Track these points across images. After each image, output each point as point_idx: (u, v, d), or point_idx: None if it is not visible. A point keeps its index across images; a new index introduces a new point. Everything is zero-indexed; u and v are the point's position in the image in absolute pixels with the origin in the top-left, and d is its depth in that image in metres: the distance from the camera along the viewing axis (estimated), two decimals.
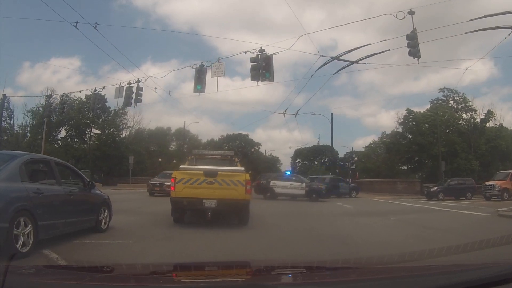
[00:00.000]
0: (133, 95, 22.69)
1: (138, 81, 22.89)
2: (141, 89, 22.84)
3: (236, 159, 13.14)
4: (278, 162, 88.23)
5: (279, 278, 2.65)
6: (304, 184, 24.84)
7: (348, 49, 15.26)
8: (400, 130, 42.48)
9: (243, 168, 11.19)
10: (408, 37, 14.96)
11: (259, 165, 71.87)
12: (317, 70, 18.54)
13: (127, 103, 22.85)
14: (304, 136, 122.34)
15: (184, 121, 50.22)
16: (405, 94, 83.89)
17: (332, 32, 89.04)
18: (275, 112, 25.26)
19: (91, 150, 47.01)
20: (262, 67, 18.00)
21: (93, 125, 48.35)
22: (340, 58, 14.27)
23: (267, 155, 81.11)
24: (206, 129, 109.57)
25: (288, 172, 31.37)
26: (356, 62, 14.16)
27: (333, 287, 2.27)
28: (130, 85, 23.20)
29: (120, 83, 23.84)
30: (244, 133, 79.40)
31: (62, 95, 29.28)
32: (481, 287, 2.04)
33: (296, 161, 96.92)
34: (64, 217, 6.94)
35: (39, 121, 46.11)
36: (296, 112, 25.45)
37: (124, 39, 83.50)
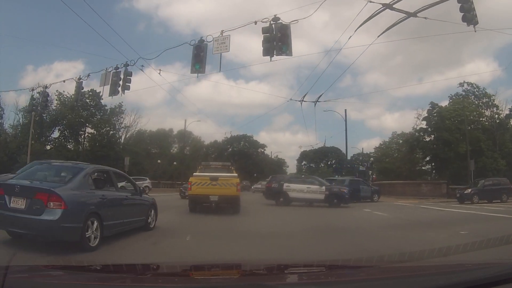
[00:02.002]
0: (121, 82, 18.68)
1: (126, 65, 18.95)
2: (130, 73, 18.97)
3: (232, 167, 17.65)
4: (284, 164, 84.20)
5: (279, 278, 2.59)
6: (323, 188, 20.69)
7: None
8: (423, 125, 38.10)
9: (236, 174, 15.99)
10: None
11: (264, 167, 68.18)
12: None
13: (113, 91, 18.95)
14: (309, 139, 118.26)
15: (185, 120, 46.34)
16: (409, 96, 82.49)
17: (335, 33, 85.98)
18: (290, 99, 21.31)
19: (84, 151, 42.94)
20: (278, 39, 13.94)
21: (88, 125, 44.23)
22: (394, 7, 10.19)
23: (273, 157, 76.97)
24: (210, 131, 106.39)
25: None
26: (414, 15, 10.08)
27: (333, 287, 2.24)
28: (118, 70, 19.18)
29: (106, 68, 19.85)
30: (248, 134, 75.33)
31: (45, 87, 25.12)
32: (481, 287, 1.98)
33: (302, 164, 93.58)
34: (122, 218, 7.98)
35: (30, 119, 42.48)
36: (316, 100, 21.14)
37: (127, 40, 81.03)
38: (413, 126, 40.43)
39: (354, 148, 75.81)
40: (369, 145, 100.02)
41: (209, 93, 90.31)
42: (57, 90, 44.49)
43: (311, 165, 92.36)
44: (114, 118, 46.54)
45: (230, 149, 74.43)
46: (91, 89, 44.14)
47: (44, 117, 44.65)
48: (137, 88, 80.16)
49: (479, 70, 67.85)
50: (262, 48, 14.13)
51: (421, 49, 67.49)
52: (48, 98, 26.48)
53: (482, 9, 64.81)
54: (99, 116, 44.68)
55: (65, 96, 43.62)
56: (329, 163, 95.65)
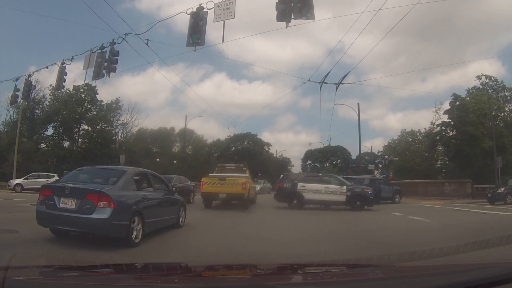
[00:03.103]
0: (106, 64, 15.61)
1: (112, 43, 15.83)
2: (117, 53, 15.88)
3: (245, 168, 19.08)
4: (289, 163, 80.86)
5: (279, 278, 2.57)
6: (344, 188, 17.50)
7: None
8: (443, 120, 34.80)
9: (244, 175, 17.74)
10: None
11: (269, 166, 64.83)
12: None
13: (98, 73, 15.91)
14: (312, 138, 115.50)
15: (186, 115, 43.04)
16: (413, 96, 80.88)
17: (339, 34, 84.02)
18: (309, 80, 17.87)
19: (77, 149, 39.90)
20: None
21: (83, 121, 41.08)
22: None
23: (277, 156, 73.51)
24: (213, 132, 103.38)
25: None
26: None
27: (333, 287, 2.23)
28: (103, 50, 16.10)
29: (91, 49, 16.75)
30: (252, 133, 71.99)
31: (29, 75, 22.06)
32: (481, 287, 1.96)
33: (307, 163, 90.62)
34: (159, 216, 8.47)
35: (23, 115, 39.47)
36: (339, 82, 17.91)
37: (128, 43, 77.91)
38: (431, 120, 37.42)
39: (362, 146, 72.29)
40: (373, 145, 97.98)
41: (212, 93, 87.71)
42: (50, 85, 41.63)
43: (316, 164, 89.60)
44: (111, 114, 43.31)
45: (233, 148, 71.10)
46: (85, 83, 41.32)
47: (38, 114, 41.74)
48: (139, 88, 79.08)
49: (482, 70, 65.43)
50: (275, 11, 11.05)
51: (425, 49, 65.02)
52: (33, 88, 23.04)
53: (486, 8, 63.30)
54: (95, 112, 41.39)
55: (60, 91, 40.70)
56: (334, 162, 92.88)
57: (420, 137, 67.84)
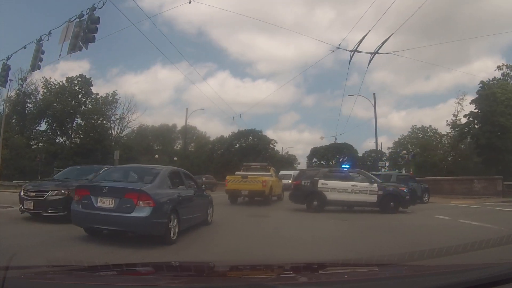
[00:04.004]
0: (82, 33, 12.60)
1: (92, 9, 12.77)
2: (96, 20, 12.76)
3: (269, 167, 20.31)
4: (295, 161, 77.63)
5: (279, 278, 2.51)
6: (375, 186, 14.37)
7: None
8: (466, 112, 31.57)
9: (268, 173, 19.01)
10: None
11: (275, 164, 60.86)
12: None
13: (74, 45, 12.86)
14: (315, 137, 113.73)
15: (186, 109, 40.04)
16: (417, 95, 79.65)
17: (342, 32, 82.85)
18: (338, 47, 14.65)
19: (70, 144, 36.84)
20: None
21: (77, 116, 37.97)
22: None
23: (283, 153, 70.15)
24: (217, 129, 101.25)
25: (346, 166, 20.68)
26: None
27: (333, 287, 2.19)
28: (82, 19, 13.05)
29: (69, 19, 13.72)
30: (257, 129, 68.62)
31: (7, 59, 18.92)
32: (481, 287, 1.94)
33: (313, 161, 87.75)
34: (192, 213, 8.46)
35: (13, 109, 36.58)
36: (376, 50, 14.59)
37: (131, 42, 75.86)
38: (453, 112, 34.25)
39: (367, 144, 69.66)
40: (374, 144, 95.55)
41: (216, 90, 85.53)
42: (43, 77, 38.71)
43: (322, 162, 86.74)
44: (108, 107, 40.19)
45: (237, 145, 67.85)
46: (79, 74, 38.40)
47: (31, 108, 38.75)
48: (141, 87, 76.78)
49: (486, 67, 64.68)
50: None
51: (428, 47, 63.37)
52: (25, 81, 19.99)
53: (488, 7, 61.12)
54: (90, 106, 38.24)
55: (52, 84, 37.80)
56: (340, 160, 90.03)
57: (431, 133, 65.24)
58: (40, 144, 37.97)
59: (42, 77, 38.39)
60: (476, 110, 29.53)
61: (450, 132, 35.72)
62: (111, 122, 40.84)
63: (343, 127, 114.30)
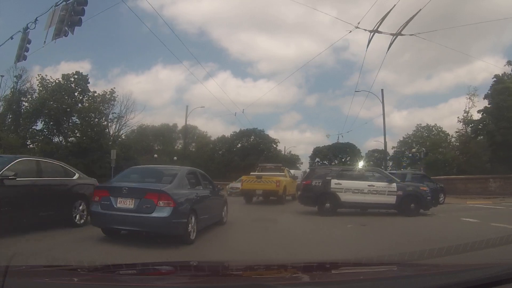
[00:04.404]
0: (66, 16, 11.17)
1: None
2: (84, 1, 11.20)
3: (283, 168, 21.24)
4: (298, 161, 76.01)
5: (279, 278, 2.47)
6: (394, 186, 12.93)
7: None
8: (478, 107, 30.06)
9: (282, 173, 19.69)
10: None
11: (278, 164, 59.51)
12: None
13: (59, 30, 11.54)
14: (317, 136, 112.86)
15: (187, 106, 38.36)
16: (418, 94, 79.16)
17: (343, 31, 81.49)
18: (357, 26, 12.56)
19: (66, 143, 35.31)
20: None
21: (74, 114, 36.42)
22: None
23: (286, 153, 68.46)
24: (218, 130, 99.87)
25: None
26: None
27: (333, 287, 2.15)
28: (69, 1, 11.60)
29: (56, 3, 12.27)
30: (259, 128, 66.97)
31: None
32: (481, 287, 1.92)
33: (315, 161, 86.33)
34: (208, 213, 8.43)
35: (8, 108, 35.11)
36: (400, 30, 12.75)
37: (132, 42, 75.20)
38: (465, 108, 32.70)
39: (370, 143, 68.63)
40: (378, 143, 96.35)
41: (217, 90, 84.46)
42: (38, 74, 37.21)
43: (324, 162, 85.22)
44: (105, 106, 38.61)
45: (239, 145, 66.24)
46: (76, 71, 36.91)
47: (27, 107, 37.23)
48: (142, 87, 76.00)
49: (488, 66, 64.13)
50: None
51: (429, 47, 62.45)
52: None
53: (489, 5, 60.01)
54: (87, 104, 36.68)
55: (48, 81, 36.34)
56: (343, 160, 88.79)
57: (436, 131, 63.80)
58: (35, 144, 36.40)
59: (38, 74, 37.04)
60: (490, 106, 27.99)
61: (461, 129, 34.28)
62: (109, 120, 39.39)
63: (349, 126, 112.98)
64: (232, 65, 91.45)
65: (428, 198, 13.23)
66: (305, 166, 78.21)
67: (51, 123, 36.86)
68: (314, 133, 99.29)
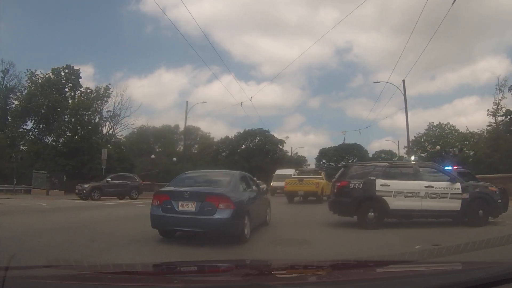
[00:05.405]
0: None
1: None
2: None
3: (320, 171, 24.44)
4: (305, 162, 72.37)
5: (279, 278, 2.47)
6: (458, 186, 9.52)
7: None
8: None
9: (319, 176, 21.80)
10: None
11: (284, 165, 55.68)
12: None
13: None
14: (321, 138, 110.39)
15: (187, 102, 34.91)
16: (421, 95, 77.49)
17: (346, 33, 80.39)
18: None
19: (53, 143, 31.92)
20: None
21: (65, 112, 32.97)
22: None
23: (292, 154, 64.68)
24: (222, 132, 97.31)
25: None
26: None
27: (333, 287, 2.13)
28: None
29: None
30: (264, 129, 63.52)
31: None
32: (481, 287, 1.89)
33: (321, 162, 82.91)
34: (258, 214, 8.79)
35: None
36: None
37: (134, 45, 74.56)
38: (494, 100, 29.38)
39: (373, 145, 65.04)
40: (381, 144, 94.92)
41: (220, 94, 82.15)
42: (27, 69, 34.00)
43: (331, 163, 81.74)
44: (98, 102, 35.18)
45: (243, 146, 62.67)
46: (66, 65, 33.60)
47: (17, 105, 33.97)
48: (145, 91, 73.90)
49: (491, 67, 64.16)
50: None
51: (433, 47, 60.25)
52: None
53: (493, 4, 57.63)
54: (77, 101, 33.21)
55: (38, 76, 33.07)
56: (350, 161, 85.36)
57: (448, 130, 60.41)
58: (22, 143, 33.10)
59: (27, 69, 33.77)
60: None
61: (493, 123, 30.82)
62: (104, 119, 35.96)
63: (357, 127, 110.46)
64: (235, 68, 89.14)
65: (498, 201, 9.81)
66: (311, 168, 74.92)
67: (43, 120, 33.51)
68: (318, 135, 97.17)
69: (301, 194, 19.83)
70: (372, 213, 9.54)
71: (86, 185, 22.20)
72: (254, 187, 9.34)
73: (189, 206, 7.03)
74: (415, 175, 9.95)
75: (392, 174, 9.98)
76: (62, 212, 14.25)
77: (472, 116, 79.35)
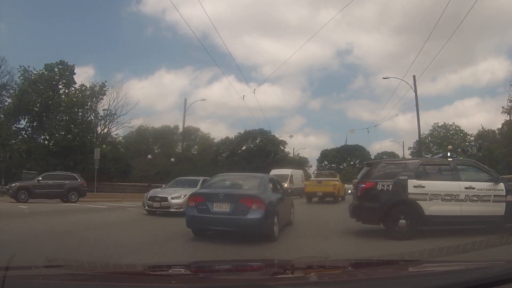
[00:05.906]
0: None
1: None
2: None
3: (335, 174, 27.47)
4: (307, 163, 70.81)
5: (279, 278, 2.44)
6: (501, 187, 7.83)
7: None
8: None
9: (335, 179, 24.40)
10: None
11: (285, 167, 53.85)
12: None
13: None
14: (321, 141, 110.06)
15: (185, 99, 33.15)
16: (422, 95, 76.30)
17: (347, 34, 79.95)
18: None
19: (45, 142, 30.30)
20: None
21: (59, 109, 31.33)
22: None
23: (294, 155, 62.96)
24: (223, 134, 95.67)
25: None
26: None
27: (333, 287, 2.13)
28: None
29: None
30: (265, 129, 61.85)
31: None
32: (481, 287, 1.88)
33: (323, 164, 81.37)
34: (284, 214, 9.23)
35: None
36: None
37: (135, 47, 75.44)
38: (509, 97, 27.94)
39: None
40: (381, 146, 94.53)
41: (221, 96, 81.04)
42: (20, 66, 32.41)
43: (333, 165, 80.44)
44: (93, 100, 33.50)
45: (244, 147, 60.97)
46: (60, 61, 32.07)
47: (10, 103, 32.38)
48: (145, 92, 72.80)
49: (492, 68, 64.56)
50: None
51: (434, 48, 58.83)
52: None
53: (493, 4, 56.66)
54: (75, 99, 31.58)
55: (31, 73, 31.53)
56: (352, 163, 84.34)
57: (453, 130, 59.27)
58: (13, 142, 31.43)
59: (20, 65, 32.17)
60: None
61: (508, 120, 29.28)
62: (99, 118, 34.40)
63: (358, 128, 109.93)
64: (235, 69, 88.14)
65: None
66: (313, 169, 73.46)
67: (37, 118, 31.86)
68: (319, 136, 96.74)
69: (320, 195, 22.30)
70: (404, 221, 7.98)
71: (13, 184, 19.56)
72: (279, 189, 9.98)
73: (224, 207, 7.54)
74: (453, 174, 8.42)
75: (427, 173, 8.47)
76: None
77: (473, 117, 78.50)
